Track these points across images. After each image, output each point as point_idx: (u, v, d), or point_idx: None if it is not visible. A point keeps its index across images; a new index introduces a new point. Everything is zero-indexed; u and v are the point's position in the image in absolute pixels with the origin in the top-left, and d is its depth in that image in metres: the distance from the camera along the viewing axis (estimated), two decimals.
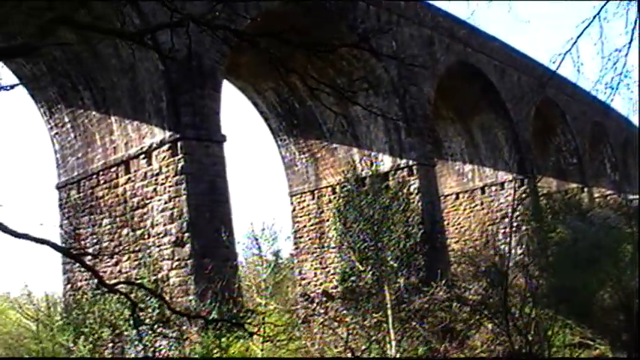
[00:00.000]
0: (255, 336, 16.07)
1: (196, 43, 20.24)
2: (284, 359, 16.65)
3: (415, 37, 30.40)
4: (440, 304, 21.56)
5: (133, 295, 16.79)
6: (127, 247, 22.98)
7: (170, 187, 22.05)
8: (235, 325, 14.71)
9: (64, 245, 12.47)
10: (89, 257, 19.57)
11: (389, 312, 19.84)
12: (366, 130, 30.06)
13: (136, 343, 18.56)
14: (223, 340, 15.12)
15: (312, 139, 32.18)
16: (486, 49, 36.15)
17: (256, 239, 17.93)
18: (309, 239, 32.29)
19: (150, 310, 17.81)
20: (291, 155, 33.15)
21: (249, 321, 16.01)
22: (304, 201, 32.82)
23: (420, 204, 27.70)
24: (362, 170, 28.10)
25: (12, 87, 8.79)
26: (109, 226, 23.87)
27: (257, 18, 21.97)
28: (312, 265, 31.75)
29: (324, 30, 25.46)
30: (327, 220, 30.82)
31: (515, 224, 26.22)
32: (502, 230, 35.68)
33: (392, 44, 28.51)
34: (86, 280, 22.79)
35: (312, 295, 25.07)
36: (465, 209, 40.60)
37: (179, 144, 21.94)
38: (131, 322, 16.43)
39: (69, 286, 24.08)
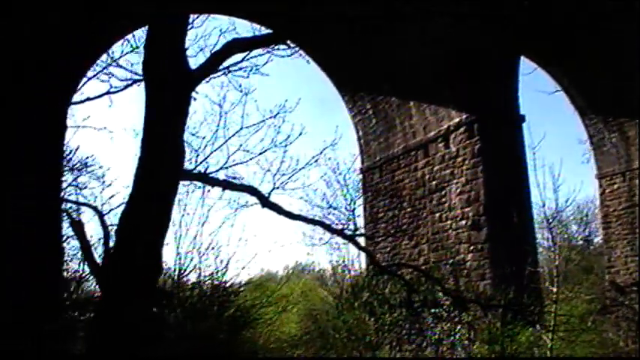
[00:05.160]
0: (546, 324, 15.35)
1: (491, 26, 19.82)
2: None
3: None
4: None
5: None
6: (425, 231, 23.29)
7: (467, 169, 21.86)
8: (520, 313, 14.21)
9: (354, 228, 12.93)
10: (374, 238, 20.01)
11: None
12: None
13: (432, 325, 18.64)
14: (509, 326, 14.61)
15: (621, 116, 29.71)
16: None
17: (550, 223, 17.06)
18: (619, 224, 29.96)
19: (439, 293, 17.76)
20: (599, 135, 30.91)
21: (535, 309, 15.30)
22: (614, 183, 30.44)
23: None
24: None
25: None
26: (409, 209, 24.32)
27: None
28: (622, 253, 29.44)
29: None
30: None
31: None
32: None
33: None
34: (385, 261, 23.42)
35: (621, 284, 23.31)
36: None
37: (475, 126, 21.68)
38: (418, 304, 16.54)
39: (370, 266, 24.98)
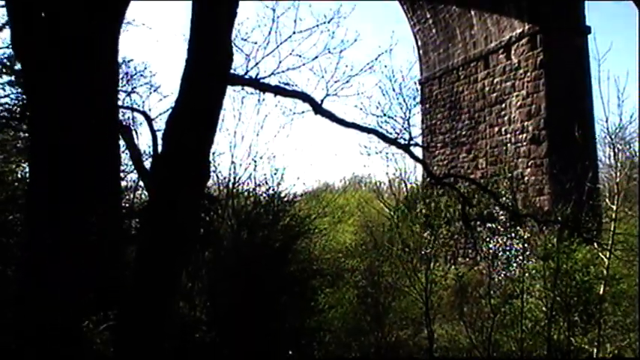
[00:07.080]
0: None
1: None
2: None
3: None
4: None
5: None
6: (483, 144, 22.89)
7: (528, 82, 21.26)
8: (578, 230, 13.87)
9: (408, 138, 12.55)
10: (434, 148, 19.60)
11: None
12: None
13: (487, 239, 18.45)
14: (566, 243, 14.28)
15: None
16: None
17: (612, 139, 16.42)
18: None
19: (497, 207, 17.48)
20: None
21: (592, 226, 14.93)
22: None
23: None
24: None
25: None
26: (467, 121, 23.89)
27: None
28: None
29: None
30: None
31: None
32: None
33: None
34: (442, 173, 23.11)
35: None
36: None
37: (538, 37, 20.99)
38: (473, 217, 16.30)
39: (427, 178, 24.75)
